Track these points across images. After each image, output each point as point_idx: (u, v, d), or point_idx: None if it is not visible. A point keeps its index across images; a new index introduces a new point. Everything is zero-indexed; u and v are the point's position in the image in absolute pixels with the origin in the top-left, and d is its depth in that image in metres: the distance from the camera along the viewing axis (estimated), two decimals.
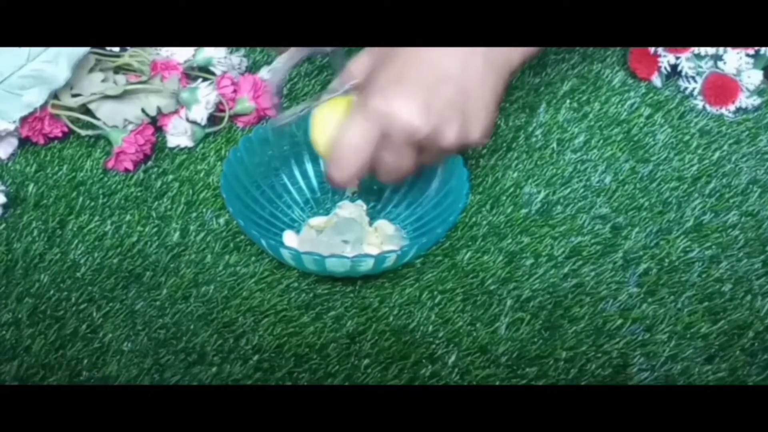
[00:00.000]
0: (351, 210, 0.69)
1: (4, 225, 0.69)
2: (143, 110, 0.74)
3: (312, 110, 0.62)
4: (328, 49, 0.63)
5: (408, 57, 0.59)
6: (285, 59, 0.64)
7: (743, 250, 0.67)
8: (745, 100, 0.77)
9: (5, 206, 0.70)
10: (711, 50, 0.77)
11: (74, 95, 0.74)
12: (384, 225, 0.69)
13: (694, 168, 0.73)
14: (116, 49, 0.76)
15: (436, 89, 0.57)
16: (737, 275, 0.65)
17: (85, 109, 0.75)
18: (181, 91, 0.74)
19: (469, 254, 0.67)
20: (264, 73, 0.77)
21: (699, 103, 0.79)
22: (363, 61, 0.62)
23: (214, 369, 0.60)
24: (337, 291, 0.65)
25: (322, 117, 0.62)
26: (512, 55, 0.61)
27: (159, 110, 0.75)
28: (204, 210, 0.70)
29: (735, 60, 0.76)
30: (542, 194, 0.71)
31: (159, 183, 0.72)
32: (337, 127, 0.59)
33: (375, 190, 0.70)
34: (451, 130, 0.58)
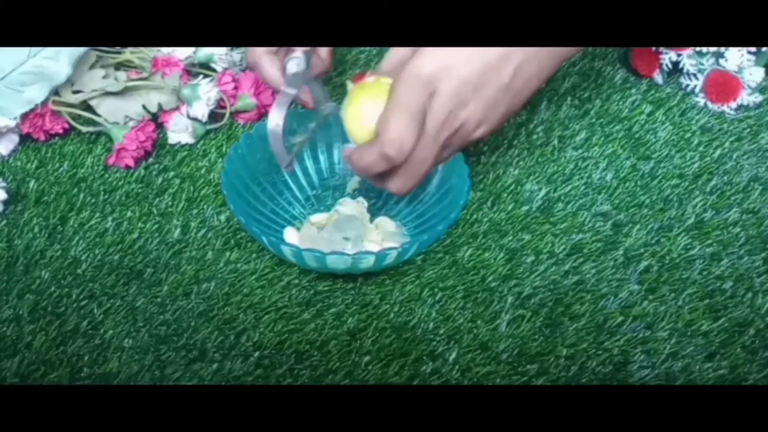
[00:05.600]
0: (352, 207, 0.69)
1: (5, 221, 0.69)
2: (144, 107, 0.74)
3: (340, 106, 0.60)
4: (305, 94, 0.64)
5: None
6: (276, 112, 0.62)
7: (744, 247, 0.67)
8: (746, 98, 0.77)
9: (6, 203, 0.70)
10: (712, 47, 0.77)
11: (75, 92, 0.74)
12: (385, 222, 0.69)
13: (695, 165, 0.73)
14: None
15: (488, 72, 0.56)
16: (738, 273, 0.65)
17: (86, 106, 0.75)
18: (182, 88, 0.74)
19: (469, 251, 0.67)
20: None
21: (700, 100, 0.79)
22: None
23: (214, 366, 0.60)
24: (337, 288, 0.65)
25: (357, 105, 0.57)
26: (543, 66, 0.59)
27: (160, 107, 0.75)
28: (205, 207, 0.70)
29: (736, 57, 0.76)
30: (543, 191, 0.71)
31: (160, 180, 0.72)
32: (375, 111, 0.56)
33: (376, 187, 0.70)
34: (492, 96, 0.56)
